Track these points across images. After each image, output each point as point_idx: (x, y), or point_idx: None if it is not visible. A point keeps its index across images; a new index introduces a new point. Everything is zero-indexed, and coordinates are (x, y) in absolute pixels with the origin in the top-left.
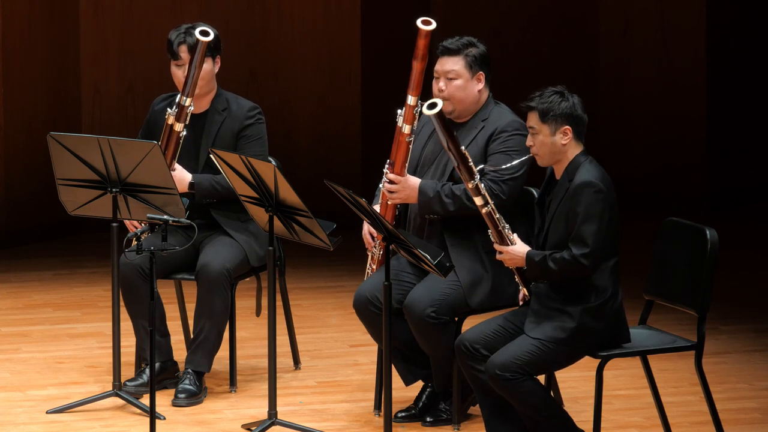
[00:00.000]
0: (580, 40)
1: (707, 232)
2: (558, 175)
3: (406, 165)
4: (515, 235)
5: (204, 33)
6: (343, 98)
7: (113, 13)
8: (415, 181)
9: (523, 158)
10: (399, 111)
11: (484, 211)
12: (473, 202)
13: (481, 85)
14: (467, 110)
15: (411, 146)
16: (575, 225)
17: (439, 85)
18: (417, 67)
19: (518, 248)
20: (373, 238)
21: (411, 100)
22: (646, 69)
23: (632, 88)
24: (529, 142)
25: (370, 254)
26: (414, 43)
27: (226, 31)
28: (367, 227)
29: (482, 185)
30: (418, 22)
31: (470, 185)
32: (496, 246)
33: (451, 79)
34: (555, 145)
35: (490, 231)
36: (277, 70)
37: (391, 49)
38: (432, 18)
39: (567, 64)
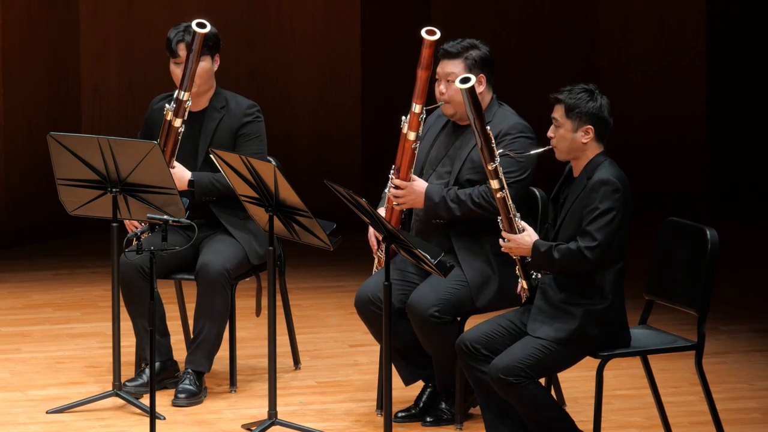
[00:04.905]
0: (580, 40)
1: (707, 232)
2: (576, 173)
3: (412, 170)
4: (524, 223)
5: (200, 25)
6: (343, 98)
7: (113, 13)
8: (421, 185)
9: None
10: (404, 118)
11: (498, 195)
12: (479, 207)
13: (482, 88)
14: None
15: (416, 152)
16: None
17: (440, 88)
18: (422, 75)
19: (525, 237)
20: (378, 241)
21: (416, 107)
22: (646, 69)
23: (632, 88)
24: (550, 133)
25: (376, 258)
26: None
27: (226, 32)
28: (372, 230)
29: (501, 168)
30: (423, 32)
31: (490, 167)
32: (504, 234)
33: (451, 81)
34: (575, 141)
35: (500, 218)
36: (277, 70)
37: (391, 50)
38: (434, 22)
39: (567, 64)
